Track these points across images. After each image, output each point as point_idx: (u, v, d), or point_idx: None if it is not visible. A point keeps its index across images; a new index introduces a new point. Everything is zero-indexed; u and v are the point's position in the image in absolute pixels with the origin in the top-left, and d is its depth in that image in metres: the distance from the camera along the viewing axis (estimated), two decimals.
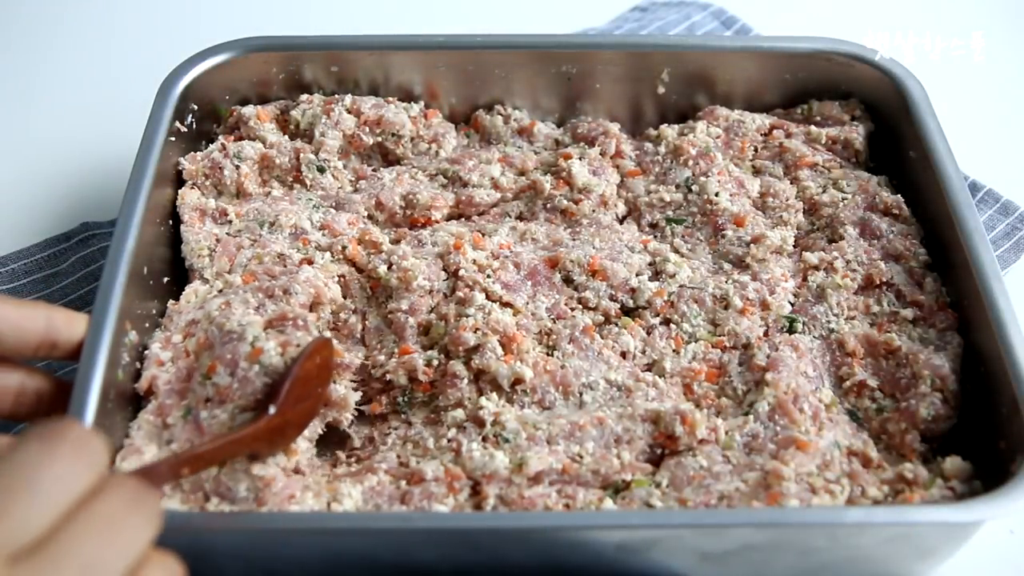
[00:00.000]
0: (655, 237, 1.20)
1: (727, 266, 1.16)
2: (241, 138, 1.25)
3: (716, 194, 1.20)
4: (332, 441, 1.07)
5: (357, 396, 1.05)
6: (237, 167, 1.21)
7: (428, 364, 1.06)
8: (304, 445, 1.01)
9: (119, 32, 1.64)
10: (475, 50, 1.29)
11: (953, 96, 1.34)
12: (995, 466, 0.95)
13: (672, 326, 1.10)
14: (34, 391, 0.96)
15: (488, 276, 1.11)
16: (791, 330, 1.09)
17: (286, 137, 1.26)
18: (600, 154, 1.26)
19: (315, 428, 1.03)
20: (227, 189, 1.21)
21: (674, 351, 1.09)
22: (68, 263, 1.25)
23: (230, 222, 1.17)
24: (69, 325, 0.96)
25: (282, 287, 1.08)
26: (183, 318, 1.07)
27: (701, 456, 0.98)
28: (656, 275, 1.14)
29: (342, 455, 1.05)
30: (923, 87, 1.23)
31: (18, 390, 0.95)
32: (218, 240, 1.15)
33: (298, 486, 0.95)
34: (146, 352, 1.03)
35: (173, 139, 1.19)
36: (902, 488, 0.95)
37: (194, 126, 1.24)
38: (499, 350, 1.05)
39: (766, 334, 1.09)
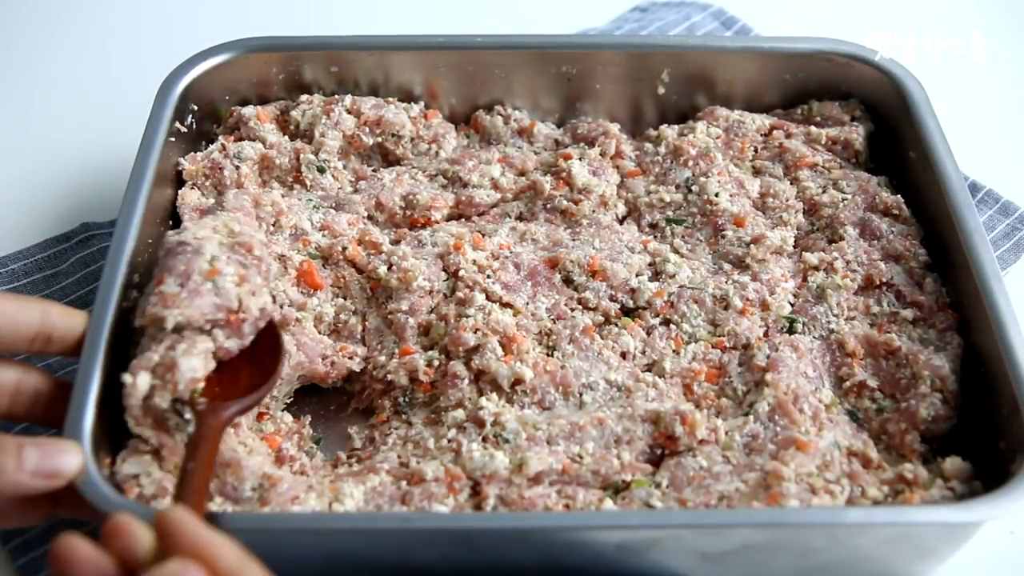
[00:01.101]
0: (655, 237, 1.20)
1: (727, 266, 1.16)
2: (241, 138, 1.25)
3: (716, 194, 1.20)
4: (333, 441, 1.07)
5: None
6: (237, 167, 1.21)
7: (429, 364, 1.06)
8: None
9: (119, 32, 1.64)
10: (475, 50, 1.29)
11: (953, 96, 1.34)
12: (995, 466, 0.95)
13: (672, 326, 1.10)
14: (32, 389, 0.96)
15: (488, 276, 1.11)
16: (791, 330, 1.09)
17: (286, 137, 1.26)
18: (600, 154, 1.26)
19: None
20: (227, 189, 1.21)
21: (674, 351, 1.09)
22: (68, 263, 1.25)
23: None
24: (65, 320, 0.96)
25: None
26: None
27: (701, 456, 0.98)
28: (656, 275, 1.14)
29: (343, 455, 1.05)
30: (923, 87, 1.23)
31: (15, 388, 0.95)
32: None
33: (302, 487, 0.95)
34: None
35: (173, 139, 1.19)
36: (902, 488, 0.95)
37: (194, 126, 1.25)
38: (499, 350, 1.05)
39: (766, 334, 1.09)
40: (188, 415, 0.92)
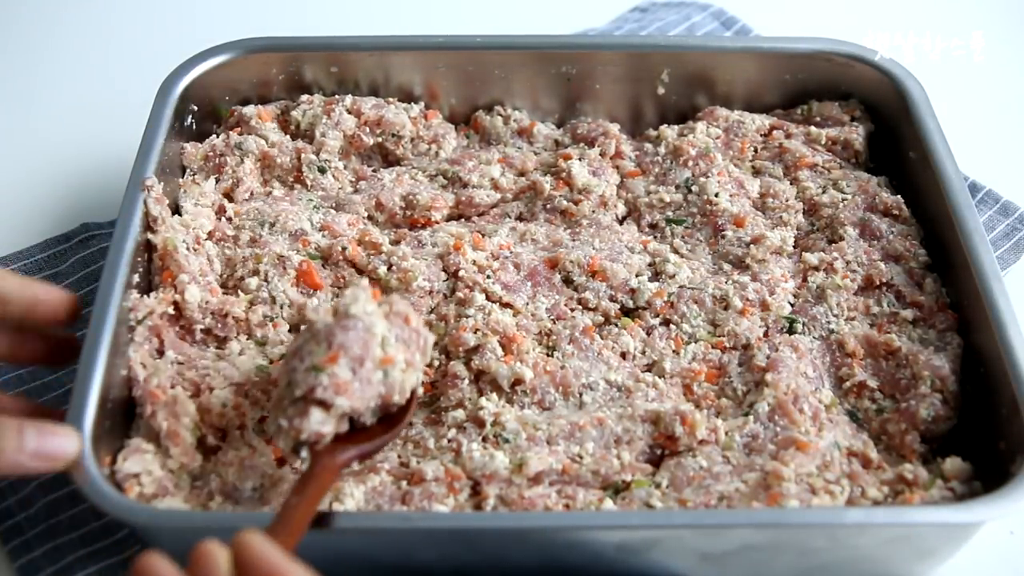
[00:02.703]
0: (655, 238, 1.20)
1: (727, 267, 1.16)
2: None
3: (716, 195, 1.20)
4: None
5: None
6: (242, 160, 1.21)
7: (429, 364, 1.06)
8: None
9: (119, 32, 1.64)
10: (475, 51, 1.29)
11: (953, 96, 1.34)
12: (995, 466, 0.95)
13: (672, 327, 1.10)
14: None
15: (488, 277, 1.12)
16: (791, 331, 1.09)
17: (287, 137, 1.26)
18: (600, 155, 1.26)
19: None
20: (227, 179, 1.20)
21: (674, 352, 1.09)
22: (68, 264, 1.25)
23: (230, 220, 1.17)
24: (48, 291, 1.00)
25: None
26: None
27: (701, 457, 0.98)
28: (656, 276, 1.14)
29: None
30: (923, 87, 1.23)
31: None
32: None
33: None
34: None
35: (173, 140, 1.19)
36: (902, 489, 0.95)
37: (194, 127, 1.25)
38: (499, 351, 1.05)
39: (766, 335, 1.09)
40: (304, 454, 0.90)
